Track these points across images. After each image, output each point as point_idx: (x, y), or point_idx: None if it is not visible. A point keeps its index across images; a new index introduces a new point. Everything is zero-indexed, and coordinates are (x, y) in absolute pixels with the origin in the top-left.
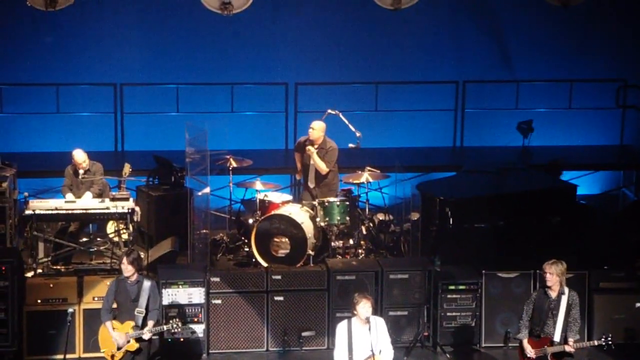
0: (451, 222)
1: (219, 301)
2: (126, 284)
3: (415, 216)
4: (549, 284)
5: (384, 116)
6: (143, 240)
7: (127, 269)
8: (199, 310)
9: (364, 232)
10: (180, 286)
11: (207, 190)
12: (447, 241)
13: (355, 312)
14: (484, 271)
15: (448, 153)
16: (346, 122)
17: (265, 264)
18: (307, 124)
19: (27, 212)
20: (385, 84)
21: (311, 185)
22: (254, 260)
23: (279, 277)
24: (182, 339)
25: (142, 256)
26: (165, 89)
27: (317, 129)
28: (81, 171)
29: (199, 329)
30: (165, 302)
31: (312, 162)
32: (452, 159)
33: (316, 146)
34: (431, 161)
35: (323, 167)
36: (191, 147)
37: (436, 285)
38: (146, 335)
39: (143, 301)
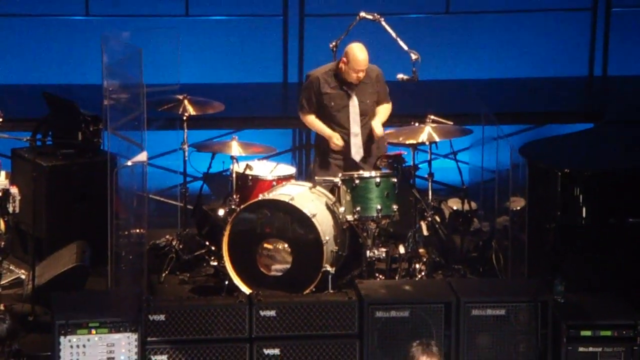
0: (584, 213)
1: (164, 358)
2: None
3: (518, 204)
4: None
5: (462, 22)
6: (24, 247)
7: None
8: None
9: (425, 232)
10: (94, 331)
11: (142, 157)
12: (576, 250)
13: None
14: None
15: (579, 89)
16: (393, 34)
17: (247, 290)
18: (319, 35)
19: None
20: None
21: (357, 156)
22: (227, 282)
23: (272, 313)
24: None
25: (24, 277)
26: None
27: (365, 56)
28: None
29: None
30: None
31: (352, 110)
32: (587, 101)
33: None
34: (548, 104)
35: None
36: (112, 78)
37: (558, 330)
38: None
39: None
